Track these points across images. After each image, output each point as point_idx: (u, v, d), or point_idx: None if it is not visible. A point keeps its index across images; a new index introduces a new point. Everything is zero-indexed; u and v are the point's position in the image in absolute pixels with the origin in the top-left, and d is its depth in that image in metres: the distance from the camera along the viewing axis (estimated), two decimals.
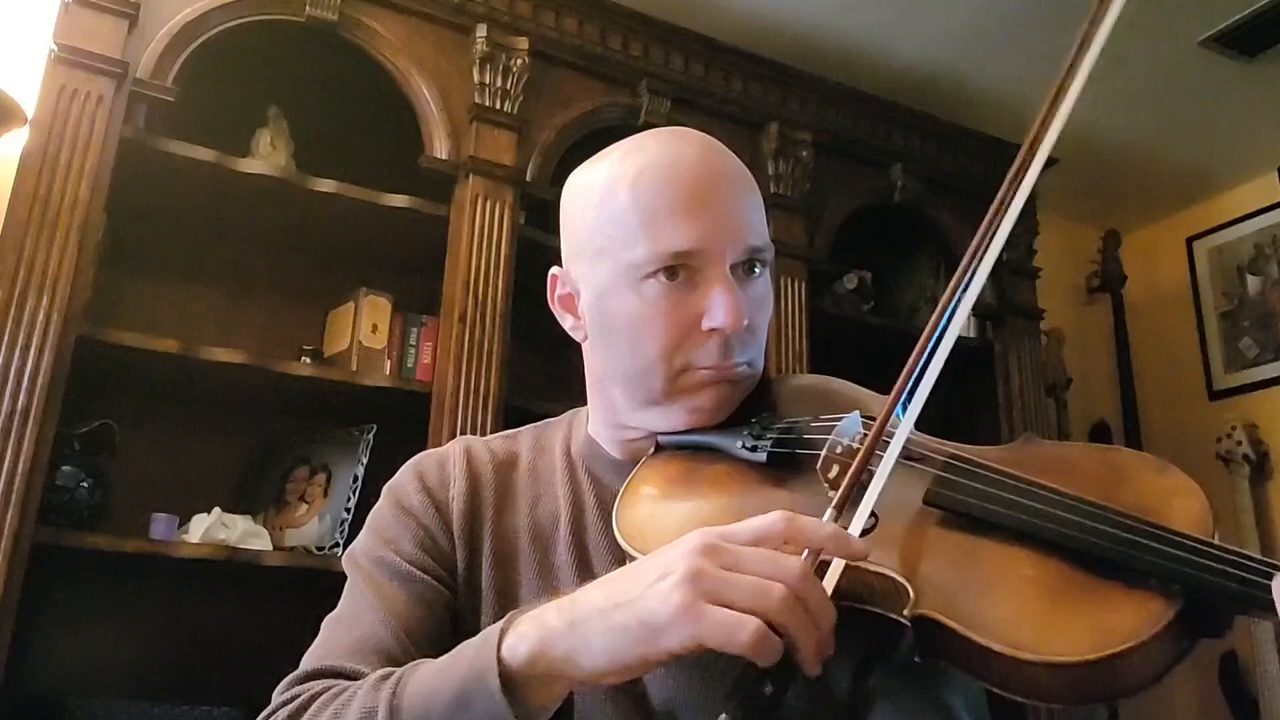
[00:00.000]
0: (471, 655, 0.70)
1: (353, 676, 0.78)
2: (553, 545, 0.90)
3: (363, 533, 0.93)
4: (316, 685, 0.78)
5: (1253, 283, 3.29)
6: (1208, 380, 3.36)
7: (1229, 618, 0.63)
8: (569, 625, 0.67)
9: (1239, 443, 3.04)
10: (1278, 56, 2.73)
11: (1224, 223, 3.40)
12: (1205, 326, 3.39)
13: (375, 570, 0.88)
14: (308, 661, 0.83)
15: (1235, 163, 3.26)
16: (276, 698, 0.80)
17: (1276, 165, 3.25)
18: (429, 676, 0.71)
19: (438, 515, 0.91)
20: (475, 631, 0.85)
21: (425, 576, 0.87)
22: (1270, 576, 0.60)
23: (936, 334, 0.76)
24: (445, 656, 0.72)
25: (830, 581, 0.67)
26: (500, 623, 0.71)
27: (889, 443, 0.74)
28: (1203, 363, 3.38)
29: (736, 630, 0.62)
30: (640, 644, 0.65)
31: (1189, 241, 3.50)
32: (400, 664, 0.77)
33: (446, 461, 0.95)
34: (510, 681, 0.67)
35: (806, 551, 0.67)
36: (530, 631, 0.68)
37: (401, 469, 0.97)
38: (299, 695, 0.78)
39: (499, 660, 0.67)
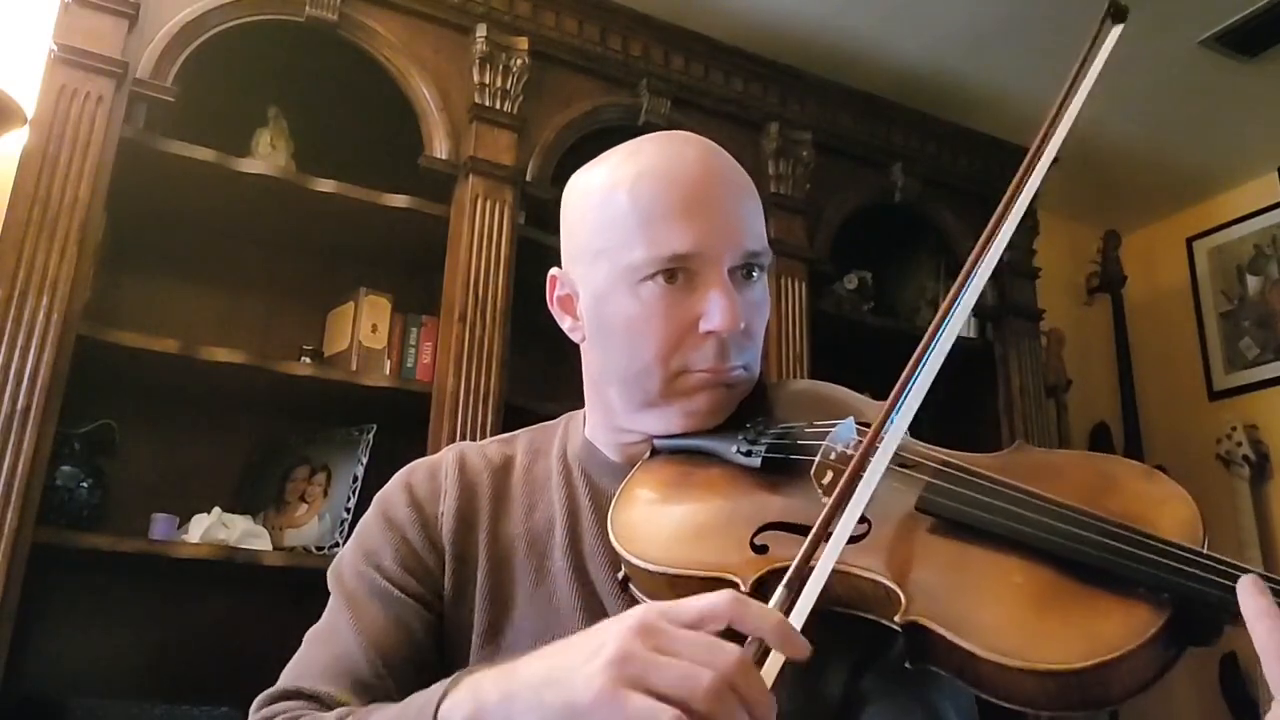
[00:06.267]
0: (413, 716, 0.70)
1: (323, 699, 0.80)
2: (549, 551, 0.90)
3: (348, 544, 0.93)
4: (283, 708, 0.81)
5: (1253, 283, 3.29)
6: (1208, 381, 3.35)
7: (1218, 627, 0.63)
8: (502, 698, 0.66)
9: (1239, 444, 3.04)
10: (1278, 56, 2.73)
11: (1224, 223, 3.40)
12: (1205, 327, 3.39)
13: (357, 586, 0.88)
14: (284, 679, 0.85)
15: (1235, 163, 3.26)
16: (252, 715, 0.82)
17: (1276, 165, 3.25)
18: None
19: (423, 531, 0.91)
20: (465, 643, 0.86)
21: (405, 596, 0.87)
22: None
23: (932, 342, 0.76)
24: (396, 707, 0.73)
25: (771, 672, 0.62)
26: (444, 683, 0.70)
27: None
28: (1203, 363, 3.37)
29: None
30: None
31: (1189, 241, 3.50)
32: (371, 687, 0.80)
33: (439, 471, 0.95)
34: None
35: (750, 637, 0.62)
36: (465, 700, 0.68)
37: (393, 478, 0.96)
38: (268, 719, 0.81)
39: None
